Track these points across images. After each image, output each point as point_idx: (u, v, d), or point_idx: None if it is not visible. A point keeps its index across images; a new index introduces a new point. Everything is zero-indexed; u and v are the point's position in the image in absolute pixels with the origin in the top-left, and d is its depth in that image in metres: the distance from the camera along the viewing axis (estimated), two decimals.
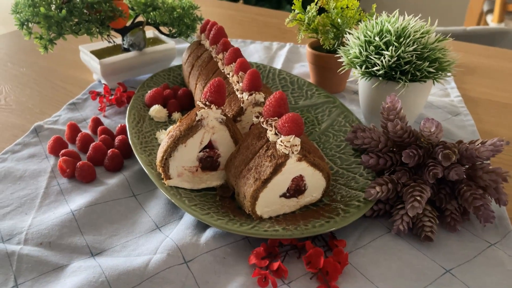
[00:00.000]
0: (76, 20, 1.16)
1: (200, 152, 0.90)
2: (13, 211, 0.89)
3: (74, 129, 1.11)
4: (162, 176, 0.90)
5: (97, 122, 1.15)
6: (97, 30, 1.20)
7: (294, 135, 0.79)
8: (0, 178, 0.98)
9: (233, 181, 0.87)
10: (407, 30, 1.02)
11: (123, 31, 1.34)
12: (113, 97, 1.25)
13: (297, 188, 0.85)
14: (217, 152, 0.91)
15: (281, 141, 0.79)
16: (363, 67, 1.05)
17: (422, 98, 1.09)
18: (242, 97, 0.95)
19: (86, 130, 1.16)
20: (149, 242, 0.82)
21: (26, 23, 1.14)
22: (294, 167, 0.81)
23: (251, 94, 0.94)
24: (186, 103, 1.22)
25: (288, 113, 0.79)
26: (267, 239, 0.82)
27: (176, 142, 0.88)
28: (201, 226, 0.85)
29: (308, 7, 1.26)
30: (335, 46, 1.28)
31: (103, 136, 1.07)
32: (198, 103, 0.89)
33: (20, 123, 1.20)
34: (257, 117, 0.87)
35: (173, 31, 1.38)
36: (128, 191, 0.96)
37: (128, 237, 0.84)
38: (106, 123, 1.19)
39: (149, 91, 1.20)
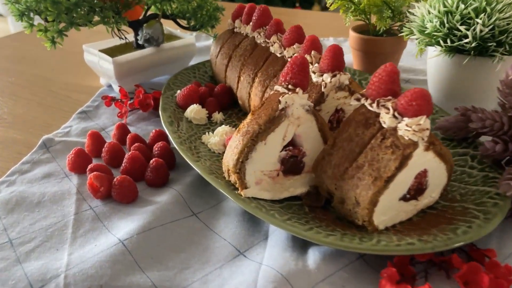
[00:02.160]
0: (86, 8, 0.94)
1: (282, 151, 0.70)
2: (38, 247, 0.67)
3: (97, 139, 0.88)
4: (237, 185, 0.69)
5: (123, 130, 0.93)
6: (113, 19, 0.99)
7: (424, 116, 0.60)
8: (11, 207, 0.75)
9: (331, 184, 0.67)
10: None
11: (136, 25, 1.13)
12: (133, 100, 1.03)
13: (419, 187, 0.66)
14: (302, 150, 0.71)
15: (406, 125, 0.60)
16: (447, 42, 0.88)
17: None
18: (322, 80, 0.76)
19: (108, 139, 0.94)
20: (239, 274, 0.61)
21: (26, 13, 0.92)
22: (421, 159, 0.63)
23: (334, 75, 0.75)
24: (225, 101, 1.01)
25: (412, 89, 0.61)
26: (392, 256, 0.63)
27: (254, 140, 0.67)
28: (299, 245, 0.65)
29: None
30: (391, 26, 1.11)
31: (137, 144, 0.86)
32: (277, 87, 0.70)
33: (22, 138, 0.96)
34: (358, 99, 0.68)
35: (193, 23, 1.18)
36: (185, 209, 0.74)
37: (206, 269, 0.63)
38: (131, 131, 0.96)
39: (181, 90, 0.99)
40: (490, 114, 0.74)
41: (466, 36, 0.87)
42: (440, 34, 0.89)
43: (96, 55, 1.12)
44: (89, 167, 0.80)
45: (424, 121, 0.60)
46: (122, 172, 0.81)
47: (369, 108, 0.66)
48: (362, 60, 1.18)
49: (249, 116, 0.71)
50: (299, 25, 0.86)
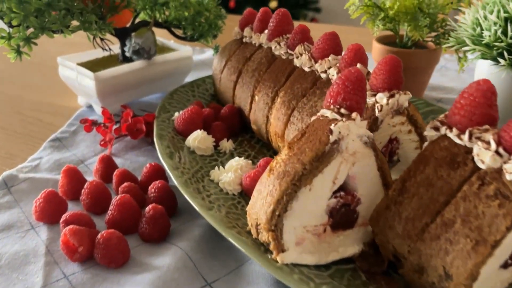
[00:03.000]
0: (62, 9, 0.75)
1: (331, 198, 0.51)
2: None
3: (74, 177, 0.68)
4: (271, 247, 0.50)
5: (108, 164, 0.73)
6: (96, 25, 0.79)
7: None
8: None
9: (401, 245, 0.49)
10: None
11: (123, 33, 0.94)
12: (120, 125, 0.83)
13: None
14: (356, 195, 0.53)
15: None
16: (509, 56, 0.72)
17: None
18: (376, 101, 0.58)
19: (91, 177, 0.74)
20: None
21: None
22: None
23: (392, 96, 0.57)
24: (235, 126, 0.83)
25: None
26: None
27: (296, 184, 0.49)
28: None
29: None
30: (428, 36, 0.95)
31: (127, 184, 0.66)
32: (324, 112, 0.51)
33: None
34: (437, 128, 0.50)
35: (190, 33, 0.99)
36: (196, 276, 0.55)
37: None
38: (117, 164, 0.76)
39: (180, 113, 0.80)
40: None
41: None
42: (502, 44, 0.73)
43: (74, 70, 0.92)
44: (63, 217, 0.60)
45: None
46: (108, 224, 0.61)
47: (457, 141, 0.48)
48: None
49: (285, 151, 0.52)
50: (335, 32, 0.68)
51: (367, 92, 0.59)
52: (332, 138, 0.49)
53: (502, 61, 0.73)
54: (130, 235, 0.61)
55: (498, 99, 0.78)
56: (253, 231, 0.53)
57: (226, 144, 0.78)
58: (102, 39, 0.92)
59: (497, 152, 0.44)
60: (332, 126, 0.49)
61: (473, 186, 0.45)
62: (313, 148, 0.49)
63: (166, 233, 0.61)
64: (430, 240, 0.46)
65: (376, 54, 1.02)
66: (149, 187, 0.66)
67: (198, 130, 0.76)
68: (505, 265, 0.47)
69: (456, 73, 1.16)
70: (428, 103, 0.87)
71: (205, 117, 0.81)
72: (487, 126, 0.46)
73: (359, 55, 0.62)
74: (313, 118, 0.53)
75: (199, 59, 1.30)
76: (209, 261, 0.57)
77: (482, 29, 0.76)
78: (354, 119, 0.49)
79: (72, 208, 0.66)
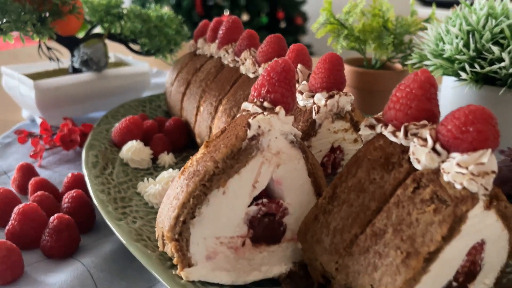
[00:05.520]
0: None
1: (251, 205, 0.44)
2: None
3: None
4: (175, 261, 0.42)
5: (28, 173, 0.65)
6: (34, 28, 0.74)
7: (489, 150, 0.36)
8: None
9: (328, 262, 0.41)
10: None
11: (73, 43, 0.89)
12: (56, 136, 0.76)
13: (471, 268, 0.40)
14: (282, 204, 0.45)
15: (458, 165, 0.36)
16: (474, 67, 0.67)
17: None
18: (314, 103, 0.52)
19: (7, 186, 0.66)
20: None
21: None
22: (479, 223, 0.38)
23: (331, 96, 0.51)
24: (179, 140, 0.76)
25: (465, 106, 0.37)
26: None
27: (206, 185, 0.41)
28: None
29: (348, 5, 0.89)
30: (393, 57, 0.90)
31: (40, 193, 0.58)
32: (246, 105, 0.45)
33: None
34: (372, 126, 0.43)
35: (147, 48, 0.94)
36: None
37: None
38: (44, 176, 0.69)
39: (118, 123, 0.74)
40: None
41: (499, 60, 0.65)
42: (464, 58, 0.67)
43: (16, 79, 0.86)
44: None
45: (488, 157, 0.35)
46: (7, 235, 0.53)
47: (392, 139, 0.41)
48: (356, 98, 0.96)
49: (202, 150, 0.45)
50: (280, 35, 0.63)
51: (305, 93, 0.53)
52: (250, 133, 0.42)
53: (463, 75, 0.67)
54: (32, 250, 0.53)
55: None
56: (160, 243, 0.45)
57: (166, 158, 0.71)
58: (48, 48, 0.87)
59: (434, 149, 0.38)
60: (250, 119, 0.42)
61: (408, 190, 0.38)
62: (228, 144, 0.42)
63: (72, 248, 0.53)
64: (359, 254, 0.39)
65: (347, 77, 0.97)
66: (63, 197, 0.58)
67: (134, 141, 0.70)
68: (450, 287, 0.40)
69: None
70: None
71: (147, 129, 0.75)
72: (425, 122, 0.40)
73: (301, 56, 0.57)
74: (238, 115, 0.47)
75: (162, 82, 1.24)
76: (114, 281, 0.49)
77: (444, 43, 0.72)
78: (277, 113, 0.43)
79: None
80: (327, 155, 0.55)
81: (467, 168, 0.36)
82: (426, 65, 0.74)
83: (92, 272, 0.49)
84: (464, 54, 0.68)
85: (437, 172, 0.38)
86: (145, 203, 0.58)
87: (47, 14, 0.79)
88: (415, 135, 0.40)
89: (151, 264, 0.43)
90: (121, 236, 0.47)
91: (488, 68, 0.65)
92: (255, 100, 0.45)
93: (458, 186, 0.36)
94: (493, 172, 0.36)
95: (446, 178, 0.37)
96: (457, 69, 0.69)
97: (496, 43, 0.67)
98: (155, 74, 1.32)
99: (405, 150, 0.41)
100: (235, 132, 0.43)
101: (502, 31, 0.66)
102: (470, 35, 0.68)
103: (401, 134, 0.40)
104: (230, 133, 0.44)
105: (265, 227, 0.45)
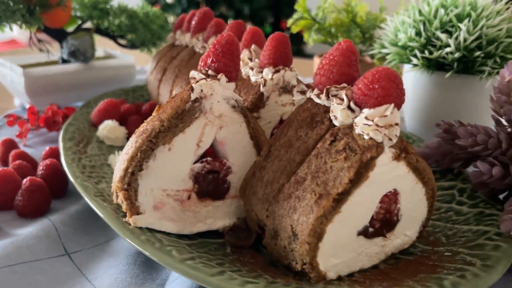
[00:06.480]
0: None
1: (196, 162, 0.49)
2: None
3: None
4: (124, 208, 0.47)
5: (10, 146, 0.71)
6: (22, 18, 0.81)
7: (392, 104, 0.41)
8: None
9: (261, 210, 0.46)
10: None
11: (61, 35, 0.96)
12: (40, 118, 0.82)
13: (386, 216, 0.45)
14: (226, 163, 0.50)
15: (366, 118, 0.41)
16: (424, 53, 0.72)
17: None
18: (262, 78, 0.57)
19: None
20: None
21: None
22: (388, 172, 0.43)
23: (277, 71, 0.56)
24: None
25: (374, 68, 0.42)
26: None
27: (152, 141, 0.47)
28: None
29: (321, 3, 0.95)
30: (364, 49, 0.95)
31: (18, 162, 0.64)
32: (192, 73, 0.50)
33: None
34: (303, 92, 0.48)
35: (130, 37, 1.00)
36: (56, 246, 0.52)
37: None
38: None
39: (98, 105, 0.80)
40: (483, 129, 0.55)
41: (447, 46, 0.70)
42: (416, 44, 0.73)
43: (8, 68, 0.93)
44: None
45: (391, 111, 0.40)
46: None
47: (316, 101, 0.46)
48: None
49: (154, 113, 0.51)
50: (241, 21, 0.68)
51: (255, 69, 0.58)
52: (193, 96, 0.47)
53: (415, 61, 0.72)
54: (7, 211, 0.58)
55: (418, 98, 0.78)
56: (114, 196, 0.50)
57: None
58: (39, 41, 0.93)
59: (349, 107, 0.43)
60: (193, 84, 0.47)
61: (326, 143, 0.43)
62: (174, 106, 0.48)
63: (43, 208, 0.58)
64: (283, 200, 0.44)
65: (315, 69, 1.02)
66: (39, 165, 0.64)
67: (109, 120, 0.75)
68: (366, 233, 0.44)
69: None
70: None
71: (124, 112, 0.81)
72: (344, 84, 0.45)
73: (255, 37, 0.62)
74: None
75: None
76: (77, 235, 0.54)
77: (400, 33, 0.77)
78: (219, 79, 0.48)
79: None
80: (277, 126, 0.60)
81: (373, 120, 0.41)
82: (385, 53, 0.79)
83: (57, 226, 0.54)
84: (416, 42, 0.73)
85: (351, 126, 0.43)
86: (113, 172, 0.63)
87: (36, 7, 0.85)
88: (335, 96, 0.45)
89: (106, 214, 0.48)
90: (82, 192, 0.52)
91: (436, 54, 0.70)
92: (201, 69, 0.50)
93: (366, 137, 0.41)
94: (396, 124, 0.41)
95: (357, 130, 0.42)
96: (410, 55, 0.74)
97: (446, 31, 0.72)
98: (140, 71, 1.38)
99: (327, 110, 0.46)
100: (180, 96, 0.49)
101: (451, 20, 0.72)
102: (422, 24, 0.73)
103: (323, 96, 0.45)
104: (177, 97, 0.49)
105: (209, 183, 0.50)
